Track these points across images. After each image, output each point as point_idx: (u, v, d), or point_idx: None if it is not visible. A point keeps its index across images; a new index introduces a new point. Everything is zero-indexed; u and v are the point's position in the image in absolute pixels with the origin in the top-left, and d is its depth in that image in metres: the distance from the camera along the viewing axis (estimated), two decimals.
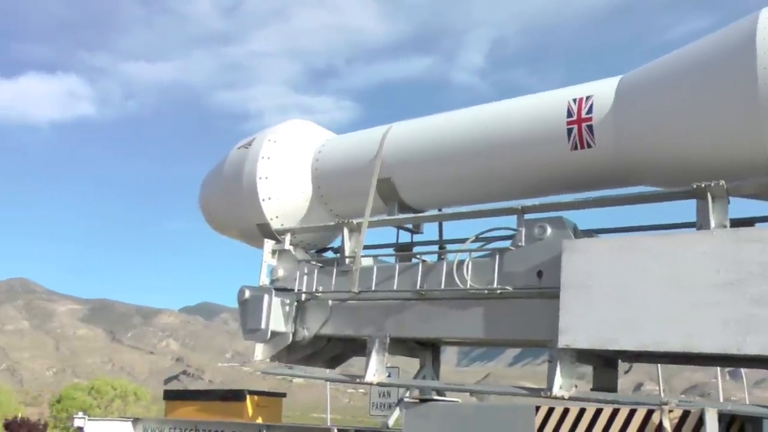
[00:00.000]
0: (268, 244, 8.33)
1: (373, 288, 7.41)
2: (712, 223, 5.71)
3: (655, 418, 5.30)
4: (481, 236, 7.15)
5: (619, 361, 7.07)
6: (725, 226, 5.70)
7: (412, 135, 7.87)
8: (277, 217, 8.40)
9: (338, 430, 7.47)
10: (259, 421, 9.06)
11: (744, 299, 5.26)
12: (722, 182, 5.69)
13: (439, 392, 7.58)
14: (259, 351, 8.06)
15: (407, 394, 7.88)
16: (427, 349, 8.16)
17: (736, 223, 5.90)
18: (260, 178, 8.33)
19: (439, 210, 8.16)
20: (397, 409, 8.06)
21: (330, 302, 7.82)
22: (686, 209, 6.08)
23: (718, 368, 24.95)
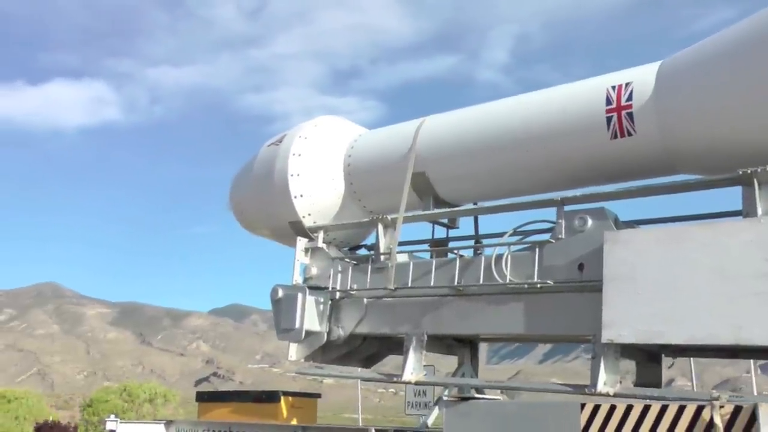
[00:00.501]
0: (301, 242, 8.22)
1: (409, 284, 7.26)
2: (759, 211, 5.51)
3: (706, 415, 5.08)
4: (519, 230, 6.99)
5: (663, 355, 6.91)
6: None
7: (447, 128, 7.71)
8: (309, 214, 8.29)
9: (376, 430, 7.32)
10: (294, 422, 8.94)
11: None
12: None
13: (478, 390, 7.44)
14: (294, 351, 7.95)
15: (445, 393, 7.73)
16: (465, 347, 8.03)
17: None
18: (292, 175, 8.21)
19: (475, 204, 8.01)
20: (436, 408, 7.89)
21: (365, 300, 7.70)
22: (731, 197, 5.91)
23: (752, 362, 24.67)
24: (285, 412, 9.17)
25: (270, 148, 8.63)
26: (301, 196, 8.23)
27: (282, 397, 9.26)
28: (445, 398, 6.77)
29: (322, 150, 8.40)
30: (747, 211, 5.61)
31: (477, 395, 6.58)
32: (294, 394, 9.62)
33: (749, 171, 5.54)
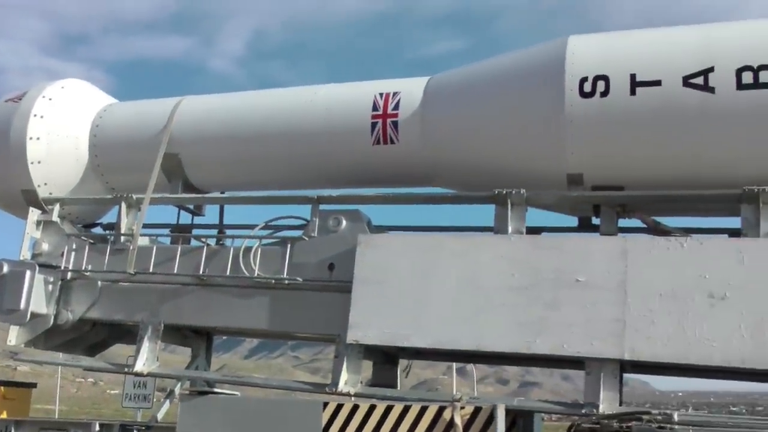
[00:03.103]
0: (33, 214, 7.51)
1: (150, 270, 6.90)
2: (510, 229, 5.89)
3: (447, 415, 5.35)
4: (270, 223, 6.89)
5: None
6: (522, 233, 5.89)
7: (206, 111, 7.45)
8: (45, 184, 7.58)
9: (100, 424, 6.84)
10: (4, 416, 8.10)
11: (537, 303, 5.48)
12: (522, 191, 5.89)
13: (209, 384, 7.21)
14: (14, 335, 7.23)
15: (178, 386, 7.41)
16: (202, 339, 7.77)
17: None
18: (30, 138, 7.47)
19: (222, 193, 7.80)
20: (167, 402, 7.55)
21: (99, 283, 7.19)
22: (483, 214, 6.23)
23: (454, 365, 26.55)
24: None
25: (7, 105, 7.77)
26: (39, 162, 7.51)
27: None
28: (181, 392, 6.46)
29: (67, 115, 7.73)
30: (498, 228, 5.97)
31: (217, 390, 6.36)
32: (6, 384, 8.73)
33: (504, 192, 5.91)
